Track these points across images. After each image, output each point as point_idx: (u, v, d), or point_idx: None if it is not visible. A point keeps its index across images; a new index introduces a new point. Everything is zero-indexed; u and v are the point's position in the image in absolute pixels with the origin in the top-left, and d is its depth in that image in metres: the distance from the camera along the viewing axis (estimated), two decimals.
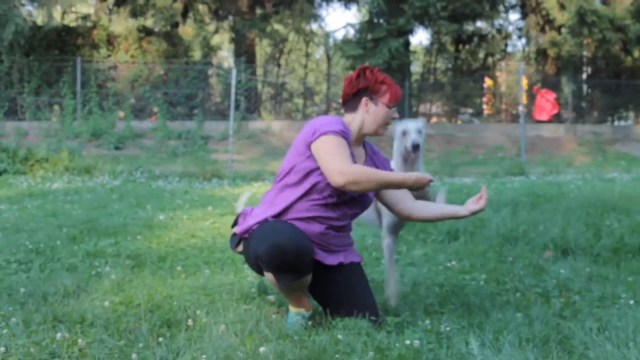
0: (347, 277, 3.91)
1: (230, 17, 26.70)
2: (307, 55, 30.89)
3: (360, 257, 4.07)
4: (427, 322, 3.83)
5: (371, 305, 3.86)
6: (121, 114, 23.35)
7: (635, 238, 6.18)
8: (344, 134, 3.67)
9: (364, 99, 3.88)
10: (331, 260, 3.87)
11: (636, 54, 23.69)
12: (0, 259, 5.61)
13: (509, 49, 29.06)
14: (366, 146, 4.04)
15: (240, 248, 3.94)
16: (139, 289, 4.57)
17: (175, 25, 25.11)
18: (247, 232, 3.84)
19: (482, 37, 27.11)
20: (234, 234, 3.97)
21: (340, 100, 4.02)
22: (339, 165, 3.54)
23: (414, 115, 25.21)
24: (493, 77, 26.73)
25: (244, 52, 25.12)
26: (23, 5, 24.31)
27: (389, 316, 3.90)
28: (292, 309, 3.88)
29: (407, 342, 3.39)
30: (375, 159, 4.02)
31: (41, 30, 23.89)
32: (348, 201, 3.82)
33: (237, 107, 21.67)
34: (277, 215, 3.81)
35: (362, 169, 3.55)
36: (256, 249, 3.68)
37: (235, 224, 4.00)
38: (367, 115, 3.89)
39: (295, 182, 3.75)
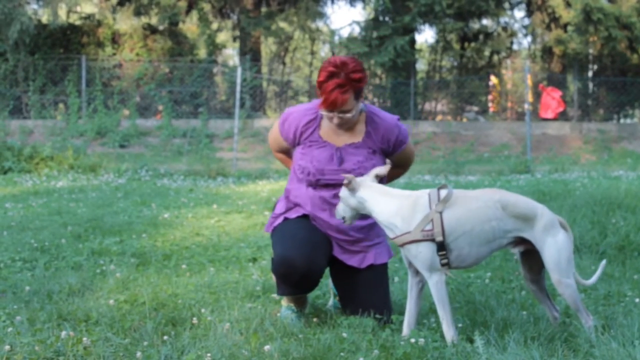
0: (363, 278, 3.93)
1: (235, 15, 26.70)
2: (313, 53, 30.85)
3: (388, 256, 4.04)
4: (432, 320, 3.83)
5: (384, 308, 3.89)
6: (126, 112, 23.36)
7: None
8: (280, 121, 3.99)
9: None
10: (345, 258, 3.92)
11: None
12: (5, 257, 5.62)
13: (515, 46, 28.97)
14: (368, 123, 3.91)
15: None
16: (144, 287, 4.58)
17: (176, 23, 25.09)
18: (272, 228, 4.00)
19: (488, 35, 27.03)
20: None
21: None
22: None
23: (419, 113, 25.17)
24: (499, 75, 26.66)
25: (249, 50, 25.10)
26: (28, 3, 24.32)
27: (394, 315, 3.90)
28: (284, 303, 4.03)
29: (412, 340, 3.38)
30: (374, 136, 3.91)
31: (46, 28, 23.89)
32: (329, 185, 3.85)
33: (242, 105, 21.67)
34: (294, 206, 3.95)
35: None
36: (274, 250, 3.84)
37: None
38: None
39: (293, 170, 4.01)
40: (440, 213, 3.42)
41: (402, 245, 3.47)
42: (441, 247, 3.42)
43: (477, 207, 3.47)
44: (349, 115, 3.74)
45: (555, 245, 3.47)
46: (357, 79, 3.68)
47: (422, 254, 3.43)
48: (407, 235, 3.43)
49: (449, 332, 3.44)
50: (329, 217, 3.84)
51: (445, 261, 3.44)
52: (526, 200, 3.57)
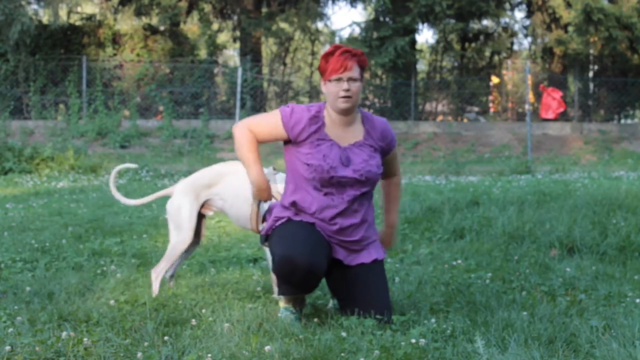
0: (365, 276, 3.92)
1: (236, 16, 26.71)
2: (313, 53, 30.80)
3: (383, 254, 4.05)
4: (433, 320, 3.83)
5: (385, 307, 3.88)
6: (127, 112, 23.37)
7: None
8: (283, 110, 3.89)
9: (322, 82, 3.94)
10: (350, 260, 3.91)
11: None
12: (6, 258, 5.62)
13: (515, 47, 28.95)
14: (365, 122, 3.98)
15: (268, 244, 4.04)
16: (145, 287, 4.58)
17: (177, 24, 25.09)
18: (270, 230, 3.95)
19: (488, 36, 27.02)
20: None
21: None
22: (242, 121, 3.99)
23: (420, 113, 25.17)
24: (499, 76, 26.66)
25: (250, 51, 25.09)
26: (29, 4, 24.34)
27: (394, 315, 3.90)
28: (281, 304, 3.99)
29: (413, 340, 3.38)
30: (373, 134, 3.97)
31: (47, 29, 23.88)
32: (340, 183, 3.82)
33: (242, 105, 21.68)
34: (294, 208, 3.90)
35: (242, 132, 3.91)
36: (274, 250, 3.81)
37: (264, 219, 4.13)
38: (327, 96, 3.92)
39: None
40: None
41: None
42: None
43: None
44: (357, 84, 3.83)
45: None
46: (360, 53, 3.88)
47: None
48: None
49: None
50: (337, 216, 3.83)
51: None
52: None
